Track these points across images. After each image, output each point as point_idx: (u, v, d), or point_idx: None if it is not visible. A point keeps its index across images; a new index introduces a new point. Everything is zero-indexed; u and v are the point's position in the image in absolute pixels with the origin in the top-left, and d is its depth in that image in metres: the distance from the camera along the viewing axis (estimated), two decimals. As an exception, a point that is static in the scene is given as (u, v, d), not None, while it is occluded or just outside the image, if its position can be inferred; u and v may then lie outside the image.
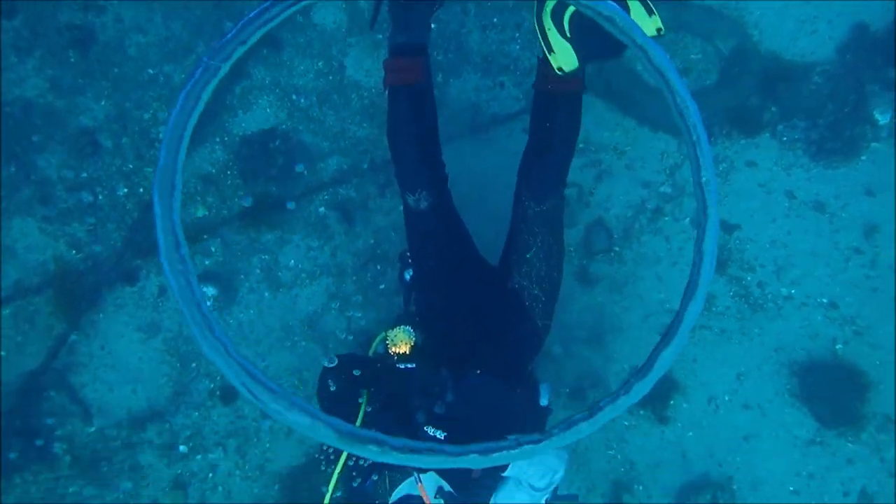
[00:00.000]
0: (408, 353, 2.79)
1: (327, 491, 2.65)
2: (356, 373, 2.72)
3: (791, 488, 3.78)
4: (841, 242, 4.12)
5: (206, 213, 4.11)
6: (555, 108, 2.86)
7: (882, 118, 4.12)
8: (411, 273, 3.12)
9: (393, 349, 2.80)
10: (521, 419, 2.81)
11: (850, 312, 4.02)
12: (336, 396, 2.71)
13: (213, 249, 4.06)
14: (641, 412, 3.93)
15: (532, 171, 2.97)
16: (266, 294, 3.98)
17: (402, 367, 2.75)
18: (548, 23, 2.61)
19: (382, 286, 4.05)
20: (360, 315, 4.02)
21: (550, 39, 2.62)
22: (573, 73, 2.70)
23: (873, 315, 3.99)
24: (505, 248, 3.14)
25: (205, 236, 4.08)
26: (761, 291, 4.09)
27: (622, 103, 4.34)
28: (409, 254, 3.14)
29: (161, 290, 3.93)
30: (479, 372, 2.80)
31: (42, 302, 3.77)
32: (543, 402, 2.87)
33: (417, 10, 2.86)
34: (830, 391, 3.84)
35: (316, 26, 4.43)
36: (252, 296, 3.97)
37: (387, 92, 2.93)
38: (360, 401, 2.71)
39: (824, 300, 4.05)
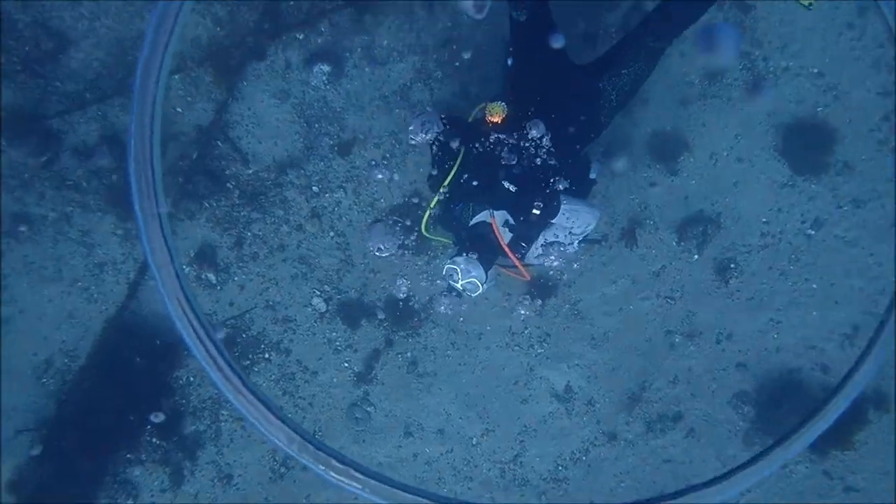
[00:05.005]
0: (500, 123, 3.67)
1: (427, 208, 3.78)
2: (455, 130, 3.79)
3: (763, 220, 5.00)
4: (837, 17, 4.91)
5: (315, -8, 5.00)
6: None
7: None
8: (512, 60, 3.91)
9: (489, 118, 3.67)
10: (574, 189, 3.78)
11: (833, 80, 4.92)
12: (442, 146, 3.81)
13: (322, 29, 5.01)
14: (657, 166, 5.05)
15: (663, 15, 3.75)
16: (367, 69, 5.02)
17: (496, 136, 3.66)
18: None
19: (457, 64, 5.03)
20: (440, 88, 5.06)
21: None
22: None
23: (851, 81, 4.88)
24: (604, 56, 3.92)
25: (316, 12, 4.99)
26: (765, 64, 4.98)
27: None
28: (511, 48, 3.93)
29: (287, 64, 4.98)
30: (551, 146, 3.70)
31: (202, 71, 4.88)
32: (592, 175, 3.90)
33: None
34: (806, 145, 4.94)
35: None
36: (356, 70, 5.01)
37: None
38: (458, 155, 3.72)
39: (815, 70, 4.96)
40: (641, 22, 3.91)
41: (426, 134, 4.01)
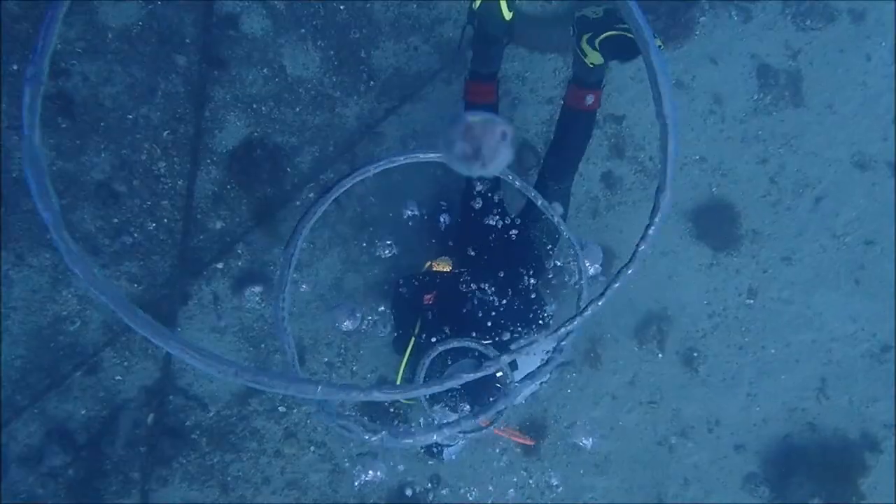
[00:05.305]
0: (449, 270, 3.90)
1: (398, 373, 3.76)
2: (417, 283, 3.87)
3: (705, 302, 5.34)
4: (698, 108, 5.44)
5: (224, 224, 4.98)
6: (576, 120, 4.06)
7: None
8: (448, 219, 4.19)
9: (437, 268, 3.91)
10: (532, 320, 3.96)
11: (715, 161, 5.42)
12: (406, 301, 3.87)
13: (239, 252, 4.97)
14: (600, 279, 5.29)
15: (553, 161, 4.12)
16: (295, 275, 4.98)
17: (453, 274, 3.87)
18: (584, 46, 3.74)
19: (378, 242, 5.11)
20: (370, 271, 5.10)
21: (584, 49, 3.72)
22: (594, 92, 3.90)
23: (731, 158, 5.38)
24: (526, 207, 4.22)
25: (227, 239, 4.97)
26: (653, 163, 5.39)
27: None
28: (443, 205, 4.24)
29: (215, 297, 4.87)
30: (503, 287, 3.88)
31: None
32: (550, 310, 4.06)
33: (495, 47, 3.98)
34: (714, 224, 5.34)
35: (248, 36, 5.12)
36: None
37: (464, 103, 4.07)
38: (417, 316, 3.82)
39: (696, 157, 5.43)
40: (539, 172, 4.26)
41: (353, 321, 4.07)
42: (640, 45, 1.44)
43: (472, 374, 2.53)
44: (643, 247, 1.97)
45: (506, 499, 5.03)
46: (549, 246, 4.18)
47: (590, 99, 3.99)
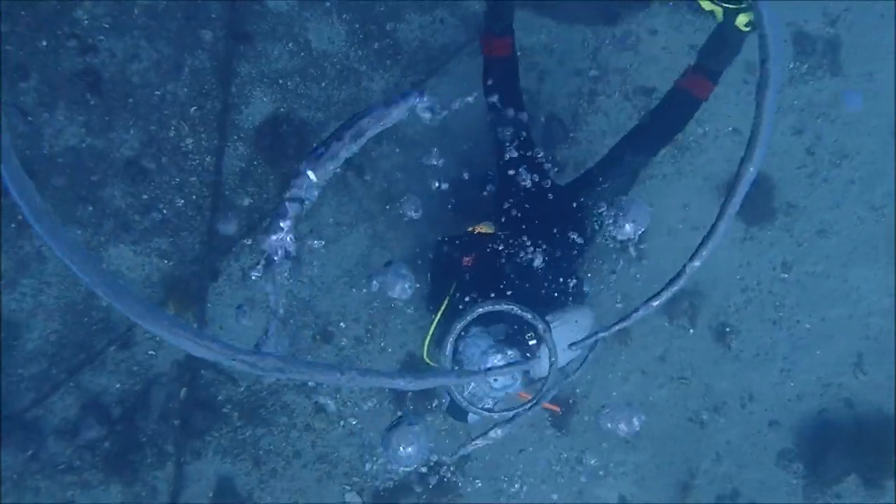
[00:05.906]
0: (492, 233, 3.83)
1: (429, 331, 3.70)
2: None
3: (738, 277, 5.22)
4: (731, 78, 5.28)
5: (252, 200, 4.99)
6: (682, 103, 3.99)
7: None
8: (493, 187, 4.07)
9: (479, 230, 3.85)
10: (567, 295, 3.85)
11: (749, 133, 5.28)
12: (446, 263, 3.82)
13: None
14: (624, 254, 5.21)
15: (642, 133, 4.03)
16: (321, 250, 4.98)
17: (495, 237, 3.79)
18: None
19: (406, 220, 5.07)
20: (398, 246, 5.07)
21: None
22: (711, 83, 3.94)
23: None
24: (584, 174, 4.12)
25: (256, 216, 4.98)
26: (683, 135, 5.27)
27: (538, 7, 5.22)
28: (490, 175, 4.14)
29: (243, 273, 4.89)
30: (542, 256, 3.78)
31: (164, 308, 4.69)
32: (586, 288, 3.94)
33: (505, 2, 3.93)
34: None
35: (273, 10, 5.09)
36: (310, 255, 4.97)
37: (483, 59, 3.97)
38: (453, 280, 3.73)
39: (730, 128, 5.31)
40: (621, 138, 4.10)
41: (399, 292, 4.01)
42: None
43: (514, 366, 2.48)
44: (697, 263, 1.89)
45: (535, 474, 5.02)
46: (598, 214, 4.06)
47: (705, 88, 3.98)
